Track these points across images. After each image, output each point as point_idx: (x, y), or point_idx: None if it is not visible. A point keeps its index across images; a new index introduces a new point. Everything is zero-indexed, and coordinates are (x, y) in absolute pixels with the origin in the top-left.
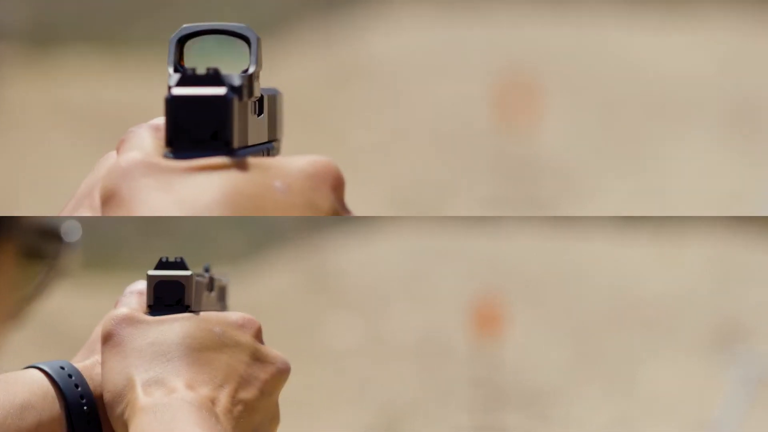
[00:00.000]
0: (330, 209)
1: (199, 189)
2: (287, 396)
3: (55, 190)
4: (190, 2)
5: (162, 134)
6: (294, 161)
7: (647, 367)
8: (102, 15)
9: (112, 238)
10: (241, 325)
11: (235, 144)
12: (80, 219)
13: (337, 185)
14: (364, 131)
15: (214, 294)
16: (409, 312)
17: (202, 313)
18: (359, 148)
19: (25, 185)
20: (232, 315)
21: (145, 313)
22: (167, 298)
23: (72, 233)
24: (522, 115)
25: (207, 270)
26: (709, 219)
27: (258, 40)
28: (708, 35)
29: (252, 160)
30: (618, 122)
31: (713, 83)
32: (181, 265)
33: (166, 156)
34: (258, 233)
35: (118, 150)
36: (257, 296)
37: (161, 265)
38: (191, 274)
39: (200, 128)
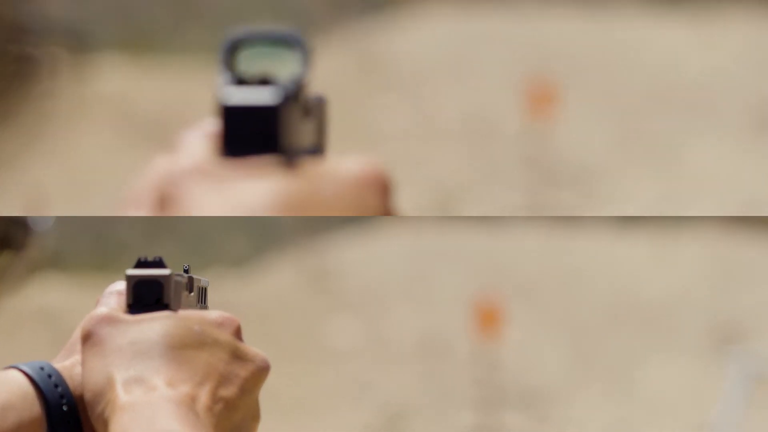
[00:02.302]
0: (379, 212)
1: (252, 193)
2: (287, 395)
3: (87, 190)
4: (221, 9)
5: (213, 139)
6: (344, 165)
7: (646, 367)
8: (137, 22)
9: (117, 241)
10: (221, 324)
11: (286, 149)
12: (81, 218)
13: (386, 189)
14: (392, 130)
15: (193, 294)
16: (409, 313)
17: (181, 312)
18: (386, 145)
19: (58, 184)
20: (212, 313)
21: (125, 313)
22: (146, 297)
23: (41, 223)
24: (545, 114)
25: (186, 270)
26: (712, 219)
27: (308, 45)
28: (731, 35)
29: (303, 164)
30: (639, 121)
31: (734, 82)
32: (159, 264)
33: (218, 160)
34: (260, 235)
35: (169, 154)
36: (259, 297)
37: (140, 264)
38: (170, 273)
39: (252, 134)
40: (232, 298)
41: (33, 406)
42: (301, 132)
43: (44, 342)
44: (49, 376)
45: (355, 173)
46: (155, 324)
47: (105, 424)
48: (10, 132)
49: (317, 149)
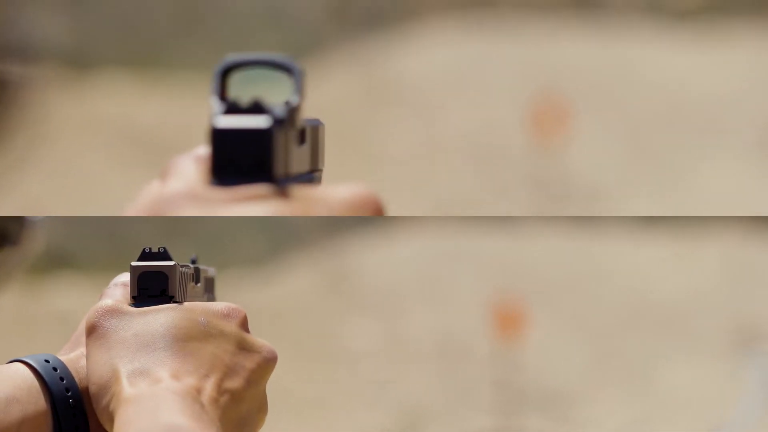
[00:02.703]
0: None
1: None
2: (304, 395)
3: (89, 209)
4: (225, 26)
5: (205, 164)
6: (336, 191)
7: (665, 368)
8: (137, 37)
9: (133, 241)
10: (226, 315)
11: (278, 174)
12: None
13: (378, 215)
14: (398, 150)
15: (200, 285)
16: (428, 314)
17: (186, 304)
18: (393, 167)
19: (60, 204)
20: (217, 305)
21: (129, 305)
22: (151, 288)
23: (36, 222)
24: (553, 134)
25: (194, 261)
26: (726, 219)
27: (301, 71)
28: (738, 54)
29: (294, 190)
30: (647, 142)
31: (743, 102)
32: (164, 255)
33: (209, 186)
34: (278, 236)
35: (161, 179)
36: (277, 298)
37: (144, 255)
38: (174, 264)
39: (244, 159)
40: (249, 299)
41: (38, 399)
42: (295, 157)
43: (56, 342)
44: (54, 368)
45: (347, 199)
46: (160, 316)
47: (110, 416)
48: (4, 152)
49: (312, 175)
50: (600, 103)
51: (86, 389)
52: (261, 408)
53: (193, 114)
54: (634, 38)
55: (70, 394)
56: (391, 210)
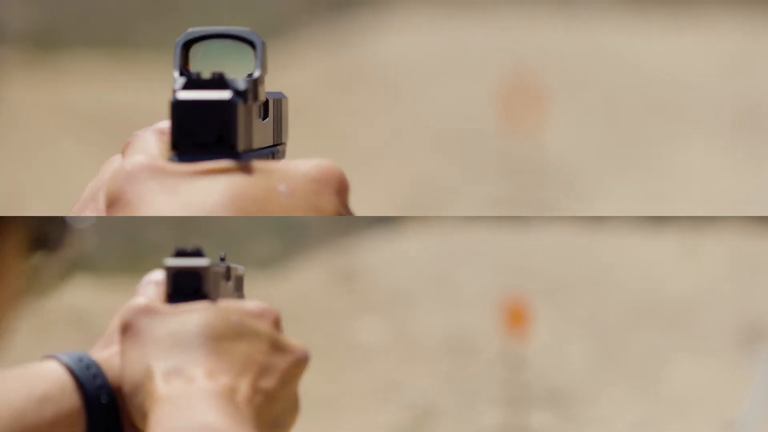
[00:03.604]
0: (334, 212)
1: (204, 192)
2: (315, 394)
3: (58, 191)
4: (194, 6)
5: (167, 138)
6: (299, 165)
7: (672, 365)
8: (105, 19)
9: (145, 241)
10: (259, 314)
11: (240, 148)
12: (88, 217)
13: (342, 189)
14: (368, 133)
15: (231, 283)
16: (436, 311)
17: (219, 303)
18: (363, 149)
19: (29, 186)
20: (250, 304)
21: (163, 303)
22: (185, 287)
23: (79, 223)
24: (526, 117)
25: (223, 259)
26: (737, 218)
27: (263, 44)
28: (714, 38)
29: (257, 164)
30: (623, 124)
31: (719, 85)
32: (198, 254)
33: (171, 159)
34: (288, 236)
35: (123, 153)
36: (287, 297)
37: (178, 254)
38: (208, 264)
39: (205, 132)
40: (261, 296)
41: (71, 398)
42: (257, 131)
43: (74, 343)
44: (88, 367)
45: (310, 172)
46: (194, 315)
47: (144, 416)
48: None
49: (275, 148)
50: (575, 87)
51: (119, 388)
52: (293, 408)
53: (162, 95)
54: (610, 22)
55: (103, 392)
56: (357, 192)
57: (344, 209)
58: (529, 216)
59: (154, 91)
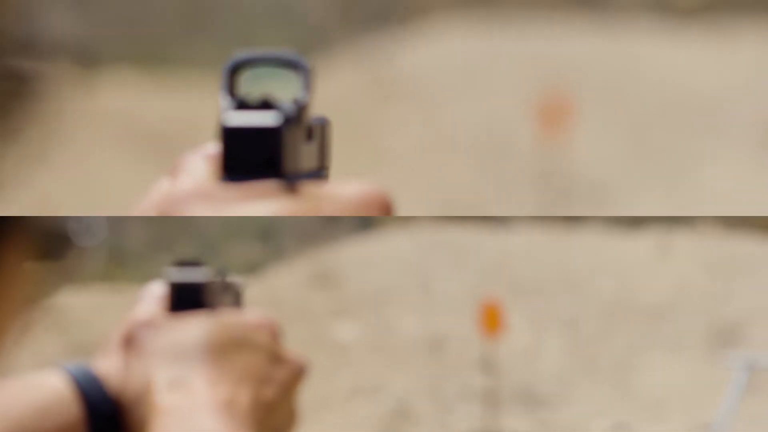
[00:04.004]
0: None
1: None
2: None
3: (99, 204)
4: (231, 23)
5: (214, 162)
6: (345, 189)
7: (646, 366)
8: (145, 37)
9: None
10: (259, 326)
11: (287, 172)
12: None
13: (388, 212)
14: (405, 146)
15: (230, 296)
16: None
17: (219, 315)
18: (400, 162)
19: (70, 200)
20: (250, 315)
21: (164, 316)
22: (186, 300)
23: (84, 234)
24: (558, 129)
25: (222, 272)
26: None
27: (309, 69)
28: (742, 51)
29: (303, 188)
30: (652, 137)
31: (746, 100)
32: (198, 266)
33: (219, 184)
34: (266, 240)
35: (171, 176)
36: (266, 300)
37: (179, 266)
38: (209, 276)
39: (253, 157)
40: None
41: (73, 410)
42: (303, 155)
43: (57, 348)
44: (90, 378)
45: (356, 196)
46: (194, 327)
47: (145, 427)
48: (15, 148)
49: (320, 172)
50: (605, 99)
51: (121, 400)
52: (293, 419)
53: (198, 110)
54: (639, 35)
55: (104, 404)
56: (399, 207)
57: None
58: (510, 216)
59: (191, 104)
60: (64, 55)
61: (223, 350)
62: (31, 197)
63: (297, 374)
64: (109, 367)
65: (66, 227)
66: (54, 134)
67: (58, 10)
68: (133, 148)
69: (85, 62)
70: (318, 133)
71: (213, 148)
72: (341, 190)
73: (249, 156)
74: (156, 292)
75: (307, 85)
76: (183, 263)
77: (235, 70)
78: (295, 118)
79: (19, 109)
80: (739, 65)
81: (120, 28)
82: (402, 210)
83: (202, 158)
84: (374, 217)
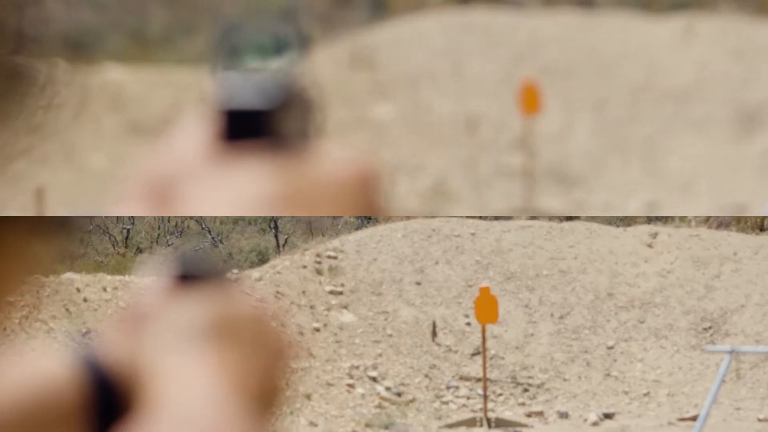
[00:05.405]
0: (365, 210)
1: (246, 189)
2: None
3: (93, 198)
4: (227, 18)
5: (209, 130)
6: (333, 161)
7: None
8: (140, 29)
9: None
10: (254, 313)
11: (281, 142)
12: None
13: (374, 186)
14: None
15: (230, 284)
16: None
17: (217, 305)
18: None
19: (65, 194)
20: (244, 304)
21: (163, 299)
22: (185, 288)
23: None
24: (533, 112)
25: (222, 264)
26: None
27: (304, 39)
28: (722, 37)
29: (297, 158)
30: (630, 122)
31: (715, 83)
32: (198, 257)
33: (212, 156)
34: None
35: (166, 144)
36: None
37: (178, 256)
38: (209, 268)
39: (247, 125)
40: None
41: (72, 392)
42: (296, 124)
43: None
44: (91, 363)
45: (344, 169)
46: (194, 312)
47: (144, 410)
48: (9, 138)
49: (311, 140)
50: (583, 83)
51: (120, 383)
52: (284, 402)
53: (193, 103)
54: (624, 20)
55: (105, 389)
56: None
57: (376, 205)
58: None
59: (189, 97)
60: (59, 50)
61: (220, 335)
62: (25, 191)
63: (290, 357)
64: (108, 350)
65: (64, 219)
66: (48, 125)
67: (52, 4)
68: (129, 138)
69: (80, 54)
70: (310, 101)
71: (205, 120)
72: (330, 161)
73: (242, 127)
74: (156, 280)
75: (301, 53)
76: (183, 254)
77: (227, 41)
78: (289, 87)
79: (13, 102)
80: (723, 51)
81: (115, 21)
82: None
83: (194, 131)
84: None
